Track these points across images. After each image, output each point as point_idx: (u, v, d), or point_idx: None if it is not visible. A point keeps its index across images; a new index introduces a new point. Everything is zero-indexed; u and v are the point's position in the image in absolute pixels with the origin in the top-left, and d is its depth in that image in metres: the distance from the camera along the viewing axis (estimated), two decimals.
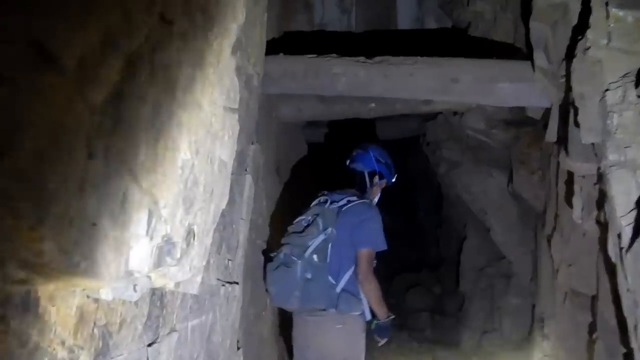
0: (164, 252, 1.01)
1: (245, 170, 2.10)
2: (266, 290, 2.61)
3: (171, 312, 1.31)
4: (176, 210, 1.07)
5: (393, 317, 2.75)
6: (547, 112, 2.70)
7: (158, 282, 1.10)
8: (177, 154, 1.08)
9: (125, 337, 1.06)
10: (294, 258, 2.50)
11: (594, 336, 2.62)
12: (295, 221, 2.72)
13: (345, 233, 2.59)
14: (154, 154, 0.98)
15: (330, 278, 2.55)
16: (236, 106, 1.50)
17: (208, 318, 1.65)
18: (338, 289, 2.54)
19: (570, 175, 2.55)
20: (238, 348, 2.06)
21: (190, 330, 1.47)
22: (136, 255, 0.91)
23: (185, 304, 1.44)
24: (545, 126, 3.43)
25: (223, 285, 1.81)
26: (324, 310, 2.54)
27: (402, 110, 4.12)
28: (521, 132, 4.01)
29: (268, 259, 2.64)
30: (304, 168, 5.08)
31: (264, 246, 3.02)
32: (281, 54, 2.85)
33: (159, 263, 1.00)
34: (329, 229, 2.58)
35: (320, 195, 2.82)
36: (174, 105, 1.06)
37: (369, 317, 2.63)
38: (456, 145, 5.03)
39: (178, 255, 1.08)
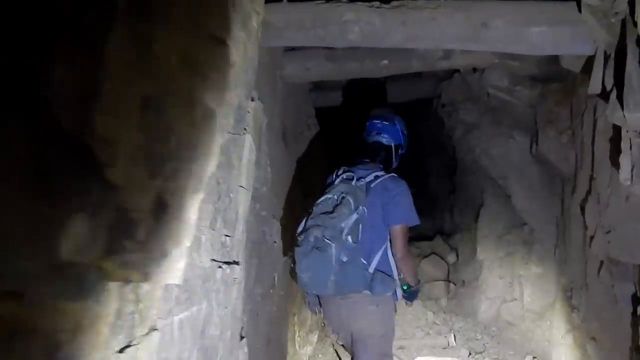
0: (118, 233, 0.74)
1: (245, 129, 1.82)
2: (291, 275, 2.51)
3: (149, 306, 1.05)
4: (134, 171, 0.79)
5: (420, 281, 2.86)
6: (590, 61, 2.37)
7: (116, 275, 0.84)
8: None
9: (82, 345, 0.81)
10: (327, 241, 2.31)
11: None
12: (320, 200, 2.52)
13: (376, 210, 2.50)
14: None
15: (362, 259, 2.45)
16: (228, 38, 1.21)
17: (202, 308, 1.40)
18: (371, 269, 2.47)
19: (617, 131, 2.24)
20: (242, 337, 1.83)
21: (177, 326, 1.22)
22: (72, 240, 0.64)
23: (169, 294, 1.19)
24: (579, 78, 3.12)
25: (220, 267, 1.56)
26: (358, 292, 2.45)
27: (418, 67, 3.79)
28: (549, 89, 3.68)
29: (294, 242, 2.46)
30: (313, 135, 4.79)
31: (271, 218, 2.76)
32: (284, 0, 2.52)
33: (111, 248, 0.73)
34: (361, 208, 2.44)
35: (343, 172, 2.65)
36: None
37: (399, 296, 2.62)
38: (474, 107, 4.72)
39: (142, 237, 0.81)
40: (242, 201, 1.77)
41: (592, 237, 2.97)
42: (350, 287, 2.40)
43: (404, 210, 2.54)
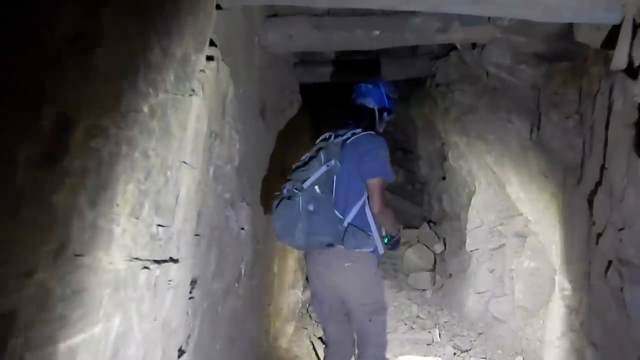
0: None
1: (192, 91, 1.46)
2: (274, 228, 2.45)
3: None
4: None
5: (401, 229, 2.80)
6: (614, 32, 2.03)
7: None
8: None
9: None
10: (295, 190, 2.40)
11: None
12: (301, 159, 2.64)
13: (352, 165, 2.50)
14: None
15: (336, 212, 2.46)
16: None
17: (111, 326, 1.07)
18: (345, 223, 2.45)
19: None
20: (181, 353, 1.49)
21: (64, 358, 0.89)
22: None
23: (48, 315, 0.84)
24: (591, 56, 2.80)
25: (146, 267, 1.22)
26: (332, 246, 2.45)
27: (413, 40, 3.44)
28: (555, 68, 3.34)
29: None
30: (297, 112, 4.42)
31: (238, 201, 2.42)
32: None
33: None
34: (332, 161, 2.48)
35: (325, 134, 2.72)
36: None
37: (381, 251, 2.57)
38: (471, 87, 4.38)
39: None
40: (186, 181, 1.42)
41: (599, 234, 2.66)
42: (317, 236, 2.40)
43: (378, 164, 2.51)
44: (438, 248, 6.32)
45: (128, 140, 1.10)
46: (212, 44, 1.72)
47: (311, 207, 2.36)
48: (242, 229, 2.44)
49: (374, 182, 2.46)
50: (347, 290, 2.53)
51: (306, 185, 2.39)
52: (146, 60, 1.11)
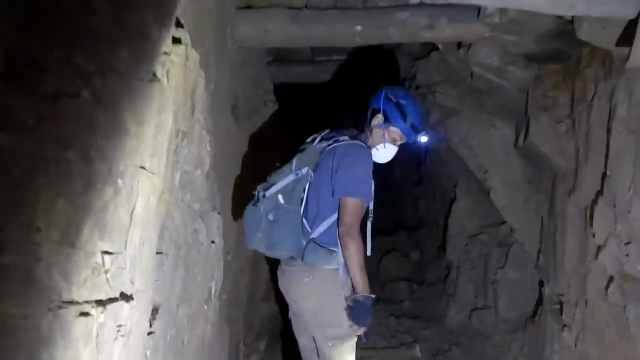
0: None
1: (154, 76, 1.18)
2: None
3: None
4: None
5: (374, 297, 2.24)
6: (629, 28, 1.84)
7: None
8: None
9: None
10: (260, 197, 2.21)
11: None
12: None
13: (326, 176, 2.23)
14: None
15: (306, 225, 2.25)
16: None
17: None
18: (310, 237, 2.24)
19: None
20: None
21: None
22: None
23: None
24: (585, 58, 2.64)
25: (84, 313, 0.92)
26: (294, 259, 2.26)
27: (397, 37, 3.21)
28: (546, 70, 3.17)
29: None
30: (270, 113, 4.15)
31: (209, 212, 2.13)
32: None
33: None
34: (304, 170, 2.23)
35: (318, 133, 2.45)
36: None
37: (341, 275, 2.23)
38: (454, 90, 4.18)
39: None
40: (144, 192, 1.13)
41: (600, 247, 2.48)
42: (276, 248, 2.22)
43: (349, 180, 2.17)
44: (414, 256, 6.15)
45: (57, 137, 0.82)
46: (179, 25, 1.44)
47: (271, 217, 2.17)
48: (213, 242, 2.15)
49: (344, 201, 2.15)
50: (305, 308, 2.31)
51: (269, 192, 2.18)
52: (87, 24, 0.83)
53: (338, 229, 2.17)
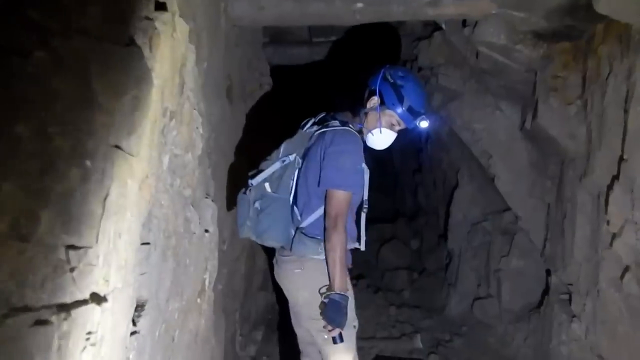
0: None
1: (132, 41, 1.02)
2: None
3: None
4: None
5: (349, 298, 2.05)
6: None
7: None
8: None
9: None
10: (249, 185, 2.15)
11: None
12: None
13: (314, 163, 2.10)
14: None
15: (297, 213, 2.16)
16: None
17: None
18: (299, 226, 2.14)
19: None
20: None
21: None
22: None
23: None
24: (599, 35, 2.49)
25: (42, 321, 0.77)
26: (285, 249, 2.19)
27: (400, 15, 3.06)
28: (555, 49, 3.02)
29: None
30: (266, 96, 3.99)
31: (202, 198, 1.98)
32: None
33: None
34: (291, 156, 2.15)
35: (315, 117, 2.31)
36: None
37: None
38: (457, 71, 4.03)
39: None
40: (120, 176, 0.98)
41: (615, 235, 2.36)
42: (264, 237, 2.15)
43: (334, 171, 2.02)
44: (414, 244, 6.03)
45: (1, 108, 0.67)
46: None
47: (257, 205, 2.11)
48: (206, 231, 2.01)
49: (330, 193, 2.02)
50: (297, 300, 2.20)
51: (256, 181, 2.12)
52: None
53: (324, 221, 2.04)
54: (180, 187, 1.60)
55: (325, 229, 2.02)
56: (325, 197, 2.04)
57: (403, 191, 7.39)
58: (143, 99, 1.04)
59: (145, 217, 1.22)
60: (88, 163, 0.88)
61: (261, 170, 2.15)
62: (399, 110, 2.18)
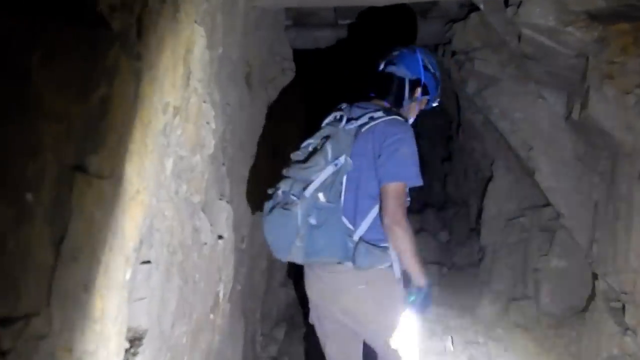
0: None
1: (100, 18, 0.80)
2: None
3: None
4: None
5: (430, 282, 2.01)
6: None
7: None
8: None
9: None
10: (293, 197, 1.87)
11: None
12: (302, 146, 2.04)
13: (365, 160, 1.92)
14: None
15: (346, 222, 1.93)
16: None
17: None
18: (355, 237, 1.91)
19: None
20: None
21: None
22: None
23: None
24: None
25: None
26: (340, 263, 1.93)
27: None
28: (612, 31, 2.70)
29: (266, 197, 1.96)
30: (289, 82, 3.75)
31: (215, 201, 1.77)
32: None
33: None
34: (342, 158, 1.91)
35: (337, 110, 2.09)
36: None
37: (398, 274, 1.97)
38: (495, 56, 3.73)
39: None
40: (84, 208, 0.74)
41: None
42: (322, 255, 1.92)
43: (400, 164, 1.88)
44: (443, 237, 5.76)
45: None
46: None
47: (313, 221, 1.86)
48: (220, 237, 1.80)
49: (389, 187, 1.86)
50: (359, 316, 2.01)
51: (308, 192, 1.85)
52: None
53: (382, 220, 1.88)
54: (188, 193, 1.39)
55: (387, 226, 1.85)
56: (382, 191, 1.88)
57: (431, 180, 7.10)
58: (118, 97, 0.82)
59: (137, 241, 1.01)
60: (29, 197, 0.66)
61: (306, 180, 1.91)
62: (435, 100, 2.26)
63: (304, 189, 1.86)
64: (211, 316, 1.68)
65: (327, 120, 2.09)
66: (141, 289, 1.13)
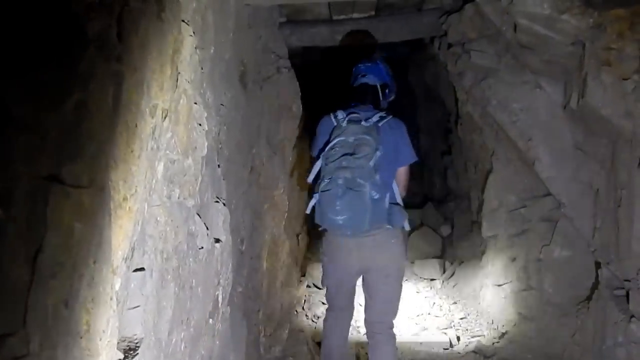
0: None
1: (75, 17, 0.77)
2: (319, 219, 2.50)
3: None
4: None
5: None
6: None
7: None
8: None
9: None
10: (360, 181, 2.40)
11: None
12: (334, 143, 2.52)
13: (389, 149, 2.52)
14: None
15: (375, 193, 2.48)
16: None
17: None
18: (386, 204, 2.49)
19: None
20: None
21: None
22: None
23: None
24: None
25: None
26: (380, 227, 2.49)
27: None
28: (608, 17, 2.68)
29: (314, 189, 2.52)
30: (284, 80, 3.71)
31: (210, 204, 1.74)
32: None
33: None
34: (381, 147, 2.48)
35: (347, 115, 2.62)
36: None
37: (408, 228, 2.65)
38: (491, 46, 3.70)
39: None
40: (62, 221, 0.72)
41: None
42: (378, 222, 2.45)
43: (411, 150, 2.64)
44: (445, 231, 5.73)
45: None
46: None
47: (376, 195, 2.39)
48: (218, 241, 1.78)
49: (406, 168, 2.62)
50: (390, 266, 2.59)
51: (371, 174, 2.39)
52: None
53: (399, 187, 2.58)
54: (181, 197, 1.36)
55: (405, 193, 2.65)
56: (401, 170, 2.60)
57: (431, 174, 7.06)
58: (95, 103, 0.79)
59: (127, 250, 0.98)
60: None
61: (364, 165, 2.40)
62: (394, 92, 2.90)
63: (370, 171, 2.37)
64: (210, 321, 1.66)
65: (344, 122, 2.54)
66: (135, 298, 1.11)
